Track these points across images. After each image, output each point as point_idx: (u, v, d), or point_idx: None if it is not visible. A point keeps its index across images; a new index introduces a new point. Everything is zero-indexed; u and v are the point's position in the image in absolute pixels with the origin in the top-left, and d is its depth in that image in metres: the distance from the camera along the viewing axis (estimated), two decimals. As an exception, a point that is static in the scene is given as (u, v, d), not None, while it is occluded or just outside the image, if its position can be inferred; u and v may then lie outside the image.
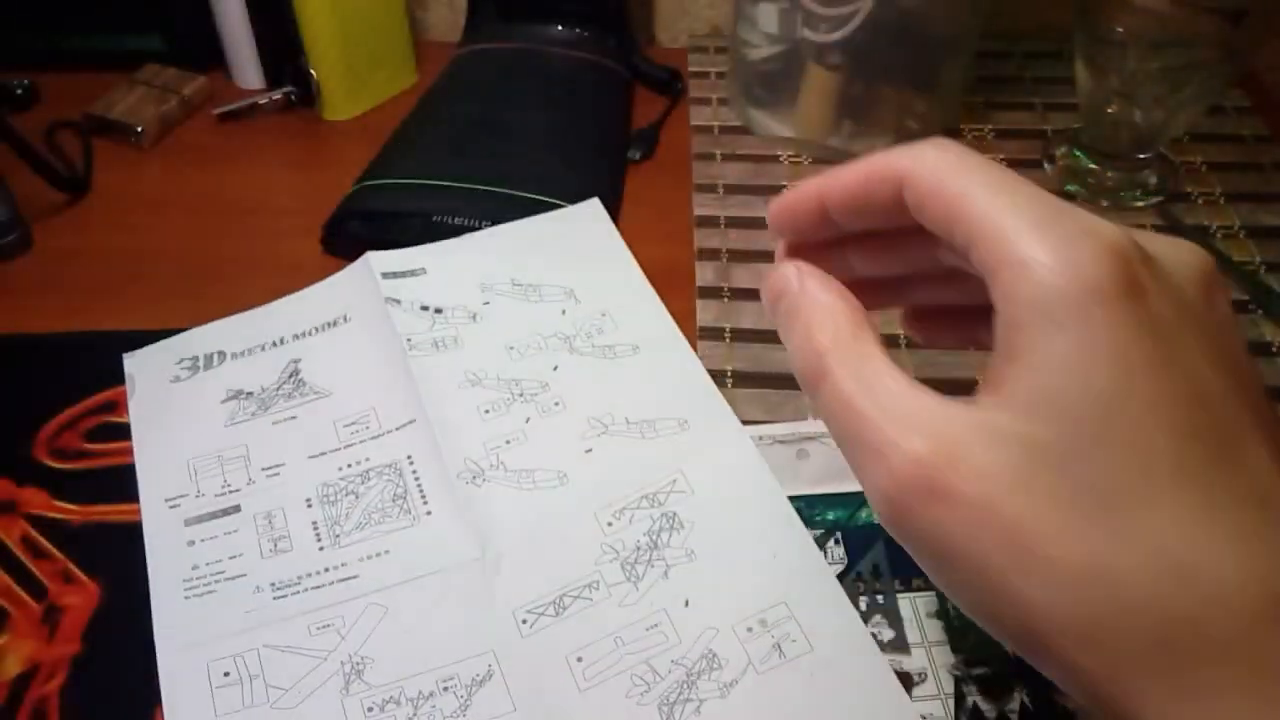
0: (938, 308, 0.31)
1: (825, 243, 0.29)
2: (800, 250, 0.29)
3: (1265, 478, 0.21)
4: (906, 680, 0.41)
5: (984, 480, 0.21)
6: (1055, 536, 0.20)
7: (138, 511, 0.47)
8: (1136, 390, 0.20)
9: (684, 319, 0.56)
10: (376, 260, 0.57)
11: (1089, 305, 0.21)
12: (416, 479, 0.48)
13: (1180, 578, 0.20)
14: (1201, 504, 0.20)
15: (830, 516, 0.46)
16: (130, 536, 0.46)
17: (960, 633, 0.42)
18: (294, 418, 0.51)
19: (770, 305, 0.28)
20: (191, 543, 0.46)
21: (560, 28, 0.74)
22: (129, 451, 0.50)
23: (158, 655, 0.42)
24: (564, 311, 0.56)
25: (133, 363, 0.54)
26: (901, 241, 0.28)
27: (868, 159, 0.26)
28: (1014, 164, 0.67)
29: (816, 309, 0.26)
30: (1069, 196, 0.64)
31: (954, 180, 0.24)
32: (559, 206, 0.62)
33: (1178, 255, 0.23)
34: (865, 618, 0.43)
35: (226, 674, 0.41)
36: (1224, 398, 0.21)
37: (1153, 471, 0.20)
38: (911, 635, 0.42)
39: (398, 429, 0.50)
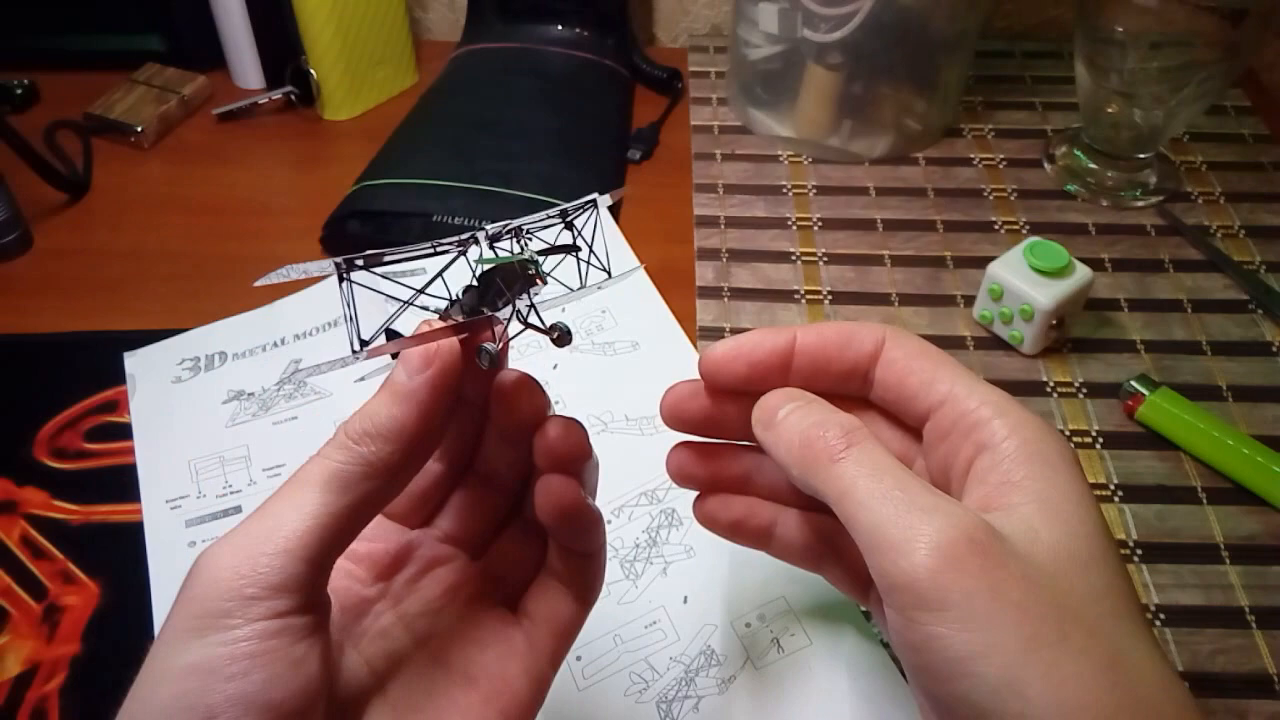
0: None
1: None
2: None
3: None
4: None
5: (1029, 560, 0.25)
6: (1093, 621, 0.25)
7: (138, 511, 0.47)
8: (1105, 524, 0.27)
9: (684, 319, 0.56)
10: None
11: (1070, 458, 0.28)
12: (417, 478, 0.48)
13: (1165, 685, 0.25)
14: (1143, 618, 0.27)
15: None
16: (130, 536, 0.46)
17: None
18: (295, 418, 0.51)
19: (762, 420, 0.32)
20: (193, 543, 0.46)
21: (560, 28, 0.74)
22: (129, 451, 0.50)
23: (158, 655, 0.42)
24: (563, 309, 0.55)
25: (133, 362, 0.54)
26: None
27: (837, 323, 0.33)
28: (1014, 163, 0.67)
29: (825, 407, 0.31)
30: (1069, 196, 0.64)
31: (931, 351, 0.31)
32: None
33: None
34: (868, 615, 0.42)
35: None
36: None
37: (1128, 590, 0.26)
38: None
39: (398, 428, 0.50)
